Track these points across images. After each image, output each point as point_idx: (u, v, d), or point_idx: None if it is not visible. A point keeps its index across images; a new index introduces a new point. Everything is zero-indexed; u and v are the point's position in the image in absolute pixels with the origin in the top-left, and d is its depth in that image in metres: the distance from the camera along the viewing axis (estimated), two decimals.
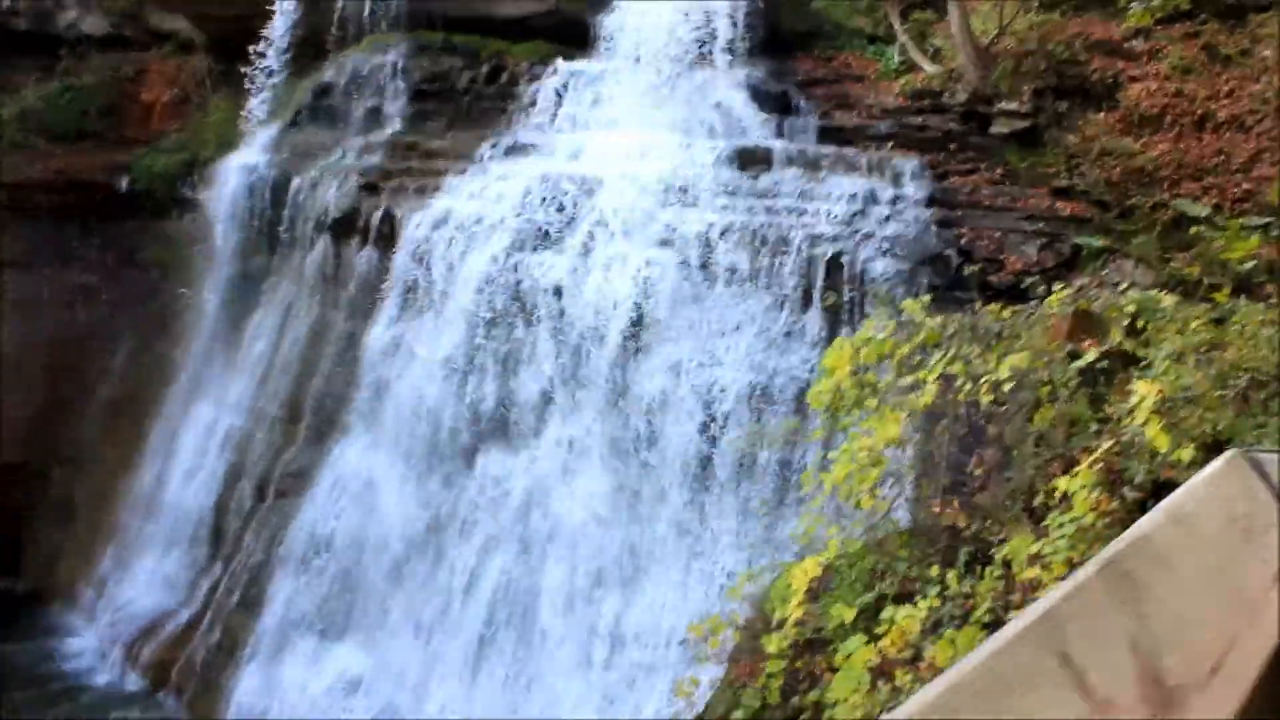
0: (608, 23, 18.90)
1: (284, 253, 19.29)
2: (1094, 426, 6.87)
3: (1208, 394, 6.44)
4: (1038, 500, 6.65)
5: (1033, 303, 8.76)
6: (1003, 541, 6.56)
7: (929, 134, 17.06)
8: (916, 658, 6.08)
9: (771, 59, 18.79)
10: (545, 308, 15.66)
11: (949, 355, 7.59)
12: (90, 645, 18.60)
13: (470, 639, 15.16)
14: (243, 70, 20.94)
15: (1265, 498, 1.98)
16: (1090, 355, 7.18)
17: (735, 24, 18.40)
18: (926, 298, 8.60)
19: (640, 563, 14.72)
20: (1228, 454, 2.04)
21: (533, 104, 18.66)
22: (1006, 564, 6.25)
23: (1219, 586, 1.95)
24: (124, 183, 21.68)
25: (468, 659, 15.10)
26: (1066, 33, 16.93)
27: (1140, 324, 7.57)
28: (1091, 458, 6.18)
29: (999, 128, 16.59)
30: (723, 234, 15.33)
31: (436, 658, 15.38)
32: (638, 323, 15.06)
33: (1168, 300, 8.09)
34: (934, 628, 6.20)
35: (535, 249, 16.08)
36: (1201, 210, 14.43)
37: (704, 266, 15.27)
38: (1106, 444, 6.28)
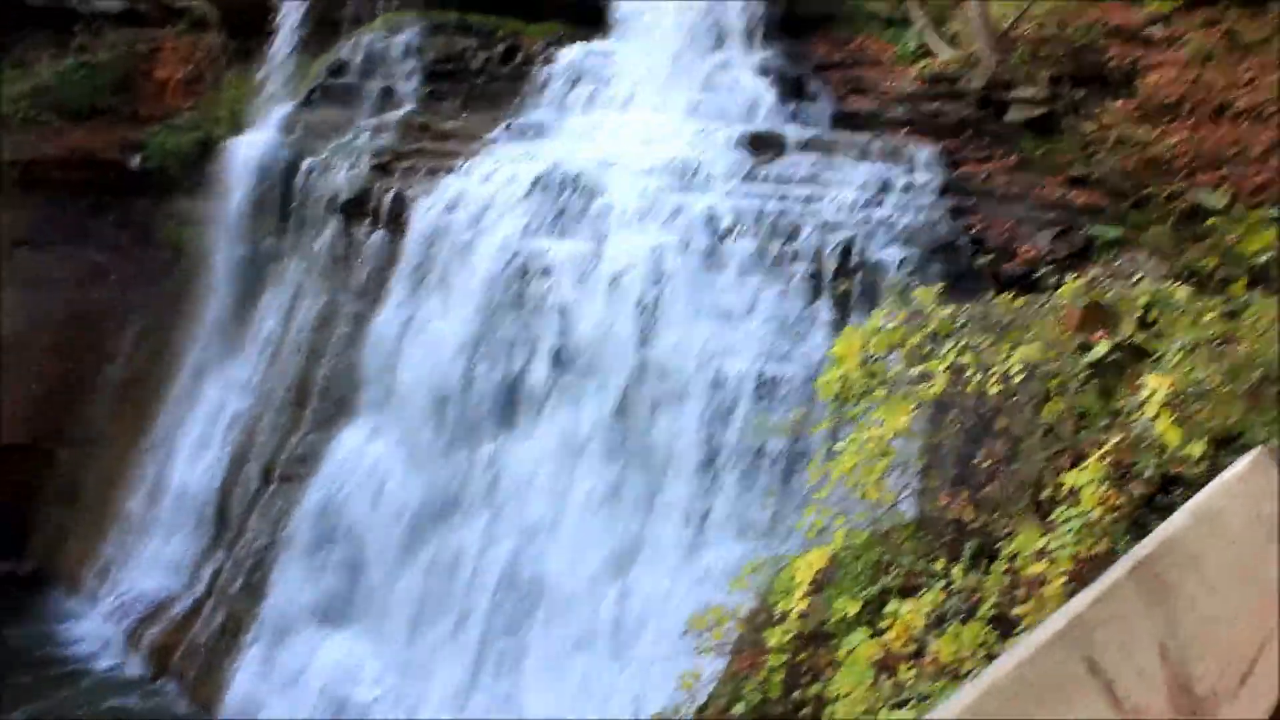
0: (623, 4, 18.81)
1: (295, 233, 19.24)
2: (1104, 420, 6.77)
3: (1219, 388, 6.34)
4: (1045, 494, 6.58)
5: (1045, 293, 8.67)
6: (1009, 535, 6.48)
7: (944, 120, 16.93)
8: (920, 652, 6.01)
9: (787, 42, 18.68)
10: (555, 292, 15.59)
11: (959, 345, 7.49)
12: (93, 629, 18.51)
13: (474, 626, 15.12)
14: (257, 48, 20.89)
15: None
16: (1101, 348, 7.08)
17: (750, 6, 18.29)
18: (938, 287, 8.50)
19: (645, 551, 14.68)
20: (1253, 452, 2.01)
21: (547, 85, 18.59)
22: (1013, 558, 6.17)
23: (1247, 588, 1.92)
24: (137, 160, 21.63)
25: (471, 646, 15.07)
26: (1085, 18, 16.79)
27: (1152, 316, 7.47)
28: (1100, 451, 6.09)
29: (1015, 115, 16.45)
30: (734, 220, 15.26)
31: (440, 644, 15.35)
32: (647, 308, 14.99)
33: (1181, 292, 7.98)
34: (938, 622, 6.12)
35: (547, 232, 16.02)
36: (1219, 201, 14.29)
37: (714, 252, 15.19)
38: (1116, 438, 6.19)
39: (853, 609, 6.79)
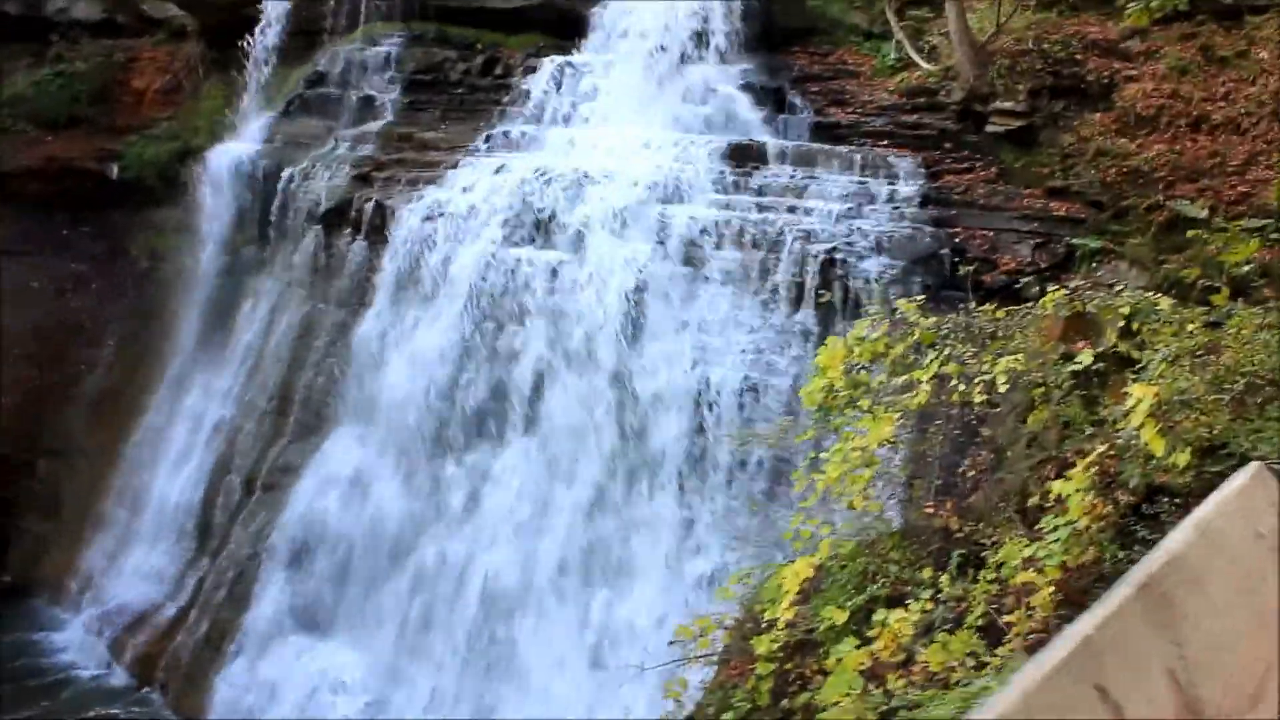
0: (603, 16, 18.84)
1: (275, 243, 19.22)
2: (1088, 429, 6.82)
3: (1204, 398, 6.39)
4: (1031, 502, 6.61)
5: (1027, 303, 8.72)
6: (995, 544, 6.50)
7: (924, 132, 17.01)
8: (908, 661, 6.02)
9: (767, 54, 18.74)
10: (536, 302, 15.60)
11: (943, 355, 7.53)
12: (76, 639, 18.46)
13: (458, 634, 15.10)
14: (235, 58, 20.85)
15: None
16: (1085, 357, 7.13)
17: (731, 19, 18.35)
18: (920, 297, 8.54)
19: (630, 559, 14.68)
20: (1250, 467, 2.01)
21: (526, 97, 18.59)
22: (999, 567, 6.19)
23: (1251, 607, 1.92)
24: (115, 170, 21.56)
25: (456, 654, 15.04)
26: (1063, 32, 16.85)
27: (1135, 326, 7.52)
28: (1086, 460, 6.12)
29: (994, 127, 16.53)
30: (715, 231, 15.29)
31: (424, 653, 15.32)
32: (629, 318, 15.01)
33: (1164, 302, 8.05)
34: (926, 631, 6.13)
35: (527, 243, 16.04)
36: (1199, 212, 14.38)
37: (696, 263, 15.22)
38: (1101, 447, 6.22)
39: (840, 618, 6.79)
